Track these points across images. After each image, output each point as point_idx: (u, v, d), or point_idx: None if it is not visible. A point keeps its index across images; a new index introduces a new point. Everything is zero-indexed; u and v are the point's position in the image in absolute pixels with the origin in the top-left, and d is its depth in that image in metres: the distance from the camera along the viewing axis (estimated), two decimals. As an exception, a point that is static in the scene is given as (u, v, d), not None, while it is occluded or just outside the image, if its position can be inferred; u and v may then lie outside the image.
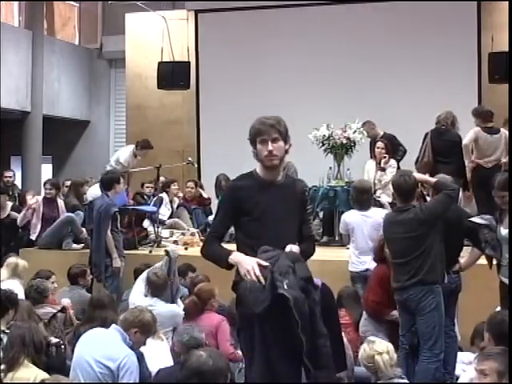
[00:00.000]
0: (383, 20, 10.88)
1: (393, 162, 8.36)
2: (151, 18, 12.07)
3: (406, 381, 4.42)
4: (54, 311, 5.43)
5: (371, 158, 8.69)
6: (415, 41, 10.71)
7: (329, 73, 11.03)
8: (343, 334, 4.92)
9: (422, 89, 10.48)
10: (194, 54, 11.89)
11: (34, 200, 8.53)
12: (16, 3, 14.07)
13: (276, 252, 3.33)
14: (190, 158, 10.07)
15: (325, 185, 8.34)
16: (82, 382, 4.14)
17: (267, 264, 3.26)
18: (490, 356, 3.42)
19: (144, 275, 6.03)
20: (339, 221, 6.96)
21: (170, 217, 9.13)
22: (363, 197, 6.51)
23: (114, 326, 4.36)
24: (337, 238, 7.92)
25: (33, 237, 8.27)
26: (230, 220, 3.55)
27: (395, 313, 5.41)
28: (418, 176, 5.28)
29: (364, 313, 5.73)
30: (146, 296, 5.83)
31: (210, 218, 8.96)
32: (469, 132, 7.99)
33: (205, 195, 9.93)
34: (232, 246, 3.56)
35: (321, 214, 8.54)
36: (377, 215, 6.27)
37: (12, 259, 6.76)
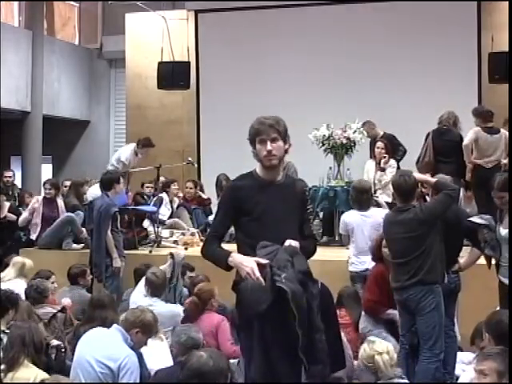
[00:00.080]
0: (383, 20, 10.88)
1: (392, 162, 8.36)
2: (151, 18, 12.08)
3: (406, 381, 4.42)
4: (54, 311, 5.42)
5: (371, 157, 8.70)
6: (415, 41, 10.71)
7: (329, 73, 11.03)
8: (343, 333, 4.93)
9: (422, 89, 10.48)
10: (194, 54, 11.89)
11: (34, 200, 8.54)
12: (16, 3, 14.07)
13: (275, 247, 3.35)
14: (189, 158, 10.07)
15: (325, 185, 8.34)
16: (83, 381, 4.14)
17: (266, 262, 3.27)
18: (490, 356, 3.42)
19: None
20: (339, 221, 6.96)
21: (170, 217, 9.13)
22: (363, 197, 6.51)
23: (115, 326, 4.36)
24: (337, 238, 7.91)
25: (33, 237, 8.28)
26: (230, 220, 3.56)
27: (391, 311, 5.45)
28: (418, 176, 5.28)
29: (363, 311, 5.76)
30: (145, 296, 5.84)
31: (210, 217, 8.96)
32: (469, 132, 7.99)
33: (204, 196, 9.93)
34: (232, 246, 3.56)
35: (321, 214, 8.55)
36: (377, 215, 6.27)
37: (18, 258, 6.81)
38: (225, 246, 3.57)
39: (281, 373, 3.27)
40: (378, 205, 7.47)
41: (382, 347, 4.33)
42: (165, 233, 8.52)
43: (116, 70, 15.15)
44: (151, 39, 12.14)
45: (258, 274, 3.23)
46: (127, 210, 8.09)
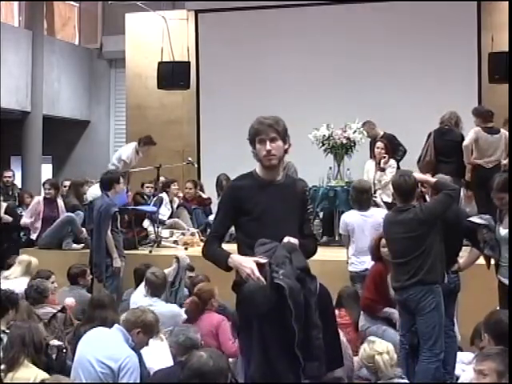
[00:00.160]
0: (383, 20, 10.88)
1: (392, 162, 8.36)
2: (151, 18, 12.08)
3: (406, 381, 4.43)
4: (54, 311, 5.43)
5: (371, 158, 8.70)
6: (415, 41, 10.71)
7: (329, 73, 11.03)
8: (343, 333, 4.94)
9: (422, 89, 10.48)
10: (194, 54, 11.89)
11: (35, 200, 8.55)
12: (16, 3, 14.07)
13: (273, 244, 3.36)
14: (189, 158, 10.07)
15: (325, 185, 8.35)
16: (84, 381, 4.14)
17: (265, 261, 3.27)
18: (489, 356, 3.42)
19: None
20: (339, 221, 6.95)
21: (170, 217, 9.13)
22: (363, 197, 6.51)
23: (116, 326, 4.36)
24: (337, 238, 7.92)
25: (33, 237, 8.28)
26: (231, 220, 3.57)
27: (388, 309, 5.52)
28: (418, 176, 5.28)
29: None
30: (145, 296, 5.84)
31: (210, 217, 8.97)
32: (469, 132, 7.99)
33: (204, 196, 9.94)
34: (232, 246, 3.56)
35: (321, 214, 8.56)
36: (377, 215, 6.28)
37: (24, 257, 6.86)
38: (225, 246, 3.57)
39: (281, 371, 3.27)
40: (377, 205, 7.48)
41: (382, 347, 4.34)
42: (165, 233, 8.52)
43: (116, 69, 15.14)
44: (151, 39, 12.14)
45: (257, 273, 3.23)
46: (127, 210, 8.09)
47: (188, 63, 11.63)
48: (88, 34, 15.45)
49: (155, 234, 8.27)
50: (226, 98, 11.45)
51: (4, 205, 9.15)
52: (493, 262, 5.08)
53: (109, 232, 6.92)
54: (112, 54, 14.69)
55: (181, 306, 6.00)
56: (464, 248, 5.39)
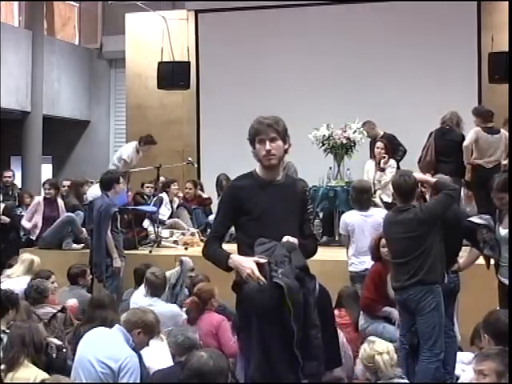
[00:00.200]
0: (383, 20, 10.88)
1: (392, 162, 8.36)
2: (151, 18, 12.07)
3: (406, 381, 4.42)
4: (54, 311, 5.43)
5: (371, 157, 8.70)
6: (415, 41, 10.71)
7: (329, 73, 11.03)
8: (343, 333, 4.94)
9: (422, 89, 10.48)
10: (194, 54, 11.89)
11: (36, 201, 8.55)
12: (16, 3, 14.07)
13: (272, 243, 3.36)
14: (189, 158, 10.07)
15: (325, 185, 8.35)
16: (84, 381, 4.14)
17: (264, 261, 3.27)
18: (489, 356, 3.42)
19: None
20: (339, 221, 6.95)
21: (170, 217, 9.13)
22: (363, 197, 6.51)
23: (117, 326, 4.35)
24: (337, 238, 7.92)
25: (33, 237, 8.28)
26: (231, 220, 3.57)
27: (387, 309, 5.55)
28: (418, 176, 5.28)
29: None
30: (145, 296, 5.84)
31: (210, 217, 8.97)
32: (469, 132, 7.99)
33: (204, 195, 9.94)
34: (232, 246, 3.57)
35: (321, 214, 8.55)
36: (377, 215, 6.28)
37: (27, 255, 6.87)
38: (225, 246, 3.57)
39: (280, 371, 3.27)
40: (375, 205, 7.48)
41: (382, 347, 4.33)
42: (165, 233, 8.52)
43: (116, 69, 15.15)
44: (151, 39, 12.13)
45: (257, 273, 3.23)
46: (127, 210, 8.09)
47: (188, 63, 11.63)
48: (88, 34, 15.46)
49: (155, 234, 8.27)
50: (226, 98, 11.45)
51: (1, 205, 9.16)
52: (492, 262, 5.08)
53: (109, 232, 6.92)
54: (112, 54, 14.69)
55: (181, 306, 6.00)
56: (464, 248, 5.39)
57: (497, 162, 7.85)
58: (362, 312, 5.74)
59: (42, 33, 13.67)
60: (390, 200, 7.63)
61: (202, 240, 8.13)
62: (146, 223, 8.55)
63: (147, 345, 4.41)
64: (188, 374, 3.42)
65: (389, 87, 10.71)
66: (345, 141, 8.30)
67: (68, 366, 4.46)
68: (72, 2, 15.44)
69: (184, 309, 5.82)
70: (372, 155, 8.65)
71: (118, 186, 7.16)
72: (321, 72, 11.00)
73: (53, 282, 6.06)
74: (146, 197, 9.31)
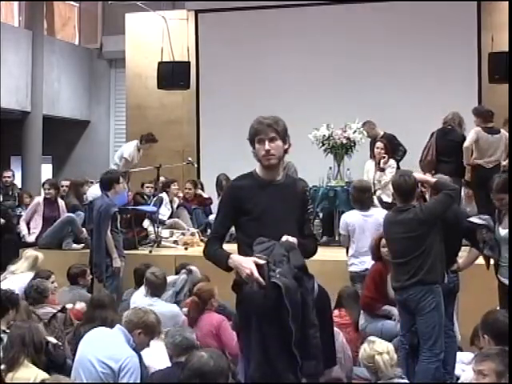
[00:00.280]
0: (383, 20, 10.88)
1: (392, 162, 8.36)
2: (151, 18, 12.07)
3: (406, 381, 4.42)
4: (54, 311, 5.43)
5: (371, 158, 8.69)
6: (415, 41, 10.71)
7: (329, 73, 11.03)
8: (343, 333, 4.94)
9: (422, 89, 10.48)
10: (194, 54, 11.89)
11: (36, 201, 8.56)
12: (16, 3, 14.07)
13: (271, 243, 3.36)
14: (189, 158, 10.08)
15: (325, 185, 8.35)
16: (84, 381, 4.14)
17: (264, 262, 3.27)
18: (488, 356, 3.42)
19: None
20: (339, 221, 6.95)
21: (170, 217, 9.13)
22: (364, 196, 6.51)
23: (118, 326, 4.35)
24: (337, 238, 7.92)
25: (32, 237, 8.28)
26: (231, 220, 3.57)
27: (387, 307, 5.57)
28: (418, 176, 5.29)
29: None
30: (145, 296, 5.84)
31: (210, 217, 8.98)
32: (470, 132, 8.00)
33: (204, 195, 9.94)
34: (232, 246, 3.57)
35: (321, 214, 8.55)
36: (377, 215, 6.28)
37: (31, 252, 6.87)
38: (225, 246, 3.58)
39: (280, 371, 3.27)
40: (374, 205, 7.48)
41: (382, 347, 4.33)
42: (165, 233, 8.53)
43: (116, 69, 15.14)
44: (151, 39, 12.13)
45: (256, 274, 3.23)
46: (127, 210, 8.09)
47: (188, 63, 11.63)
48: (88, 34, 15.45)
49: (155, 234, 8.27)
50: (226, 98, 11.45)
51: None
52: (492, 262, 5.08)
53: (109, 232, 6.92)
54: (112, 54, 14.69)
55: (181, 307, 6.00)
56: (463, 248, 5.39)
57: (497, 162, 7.86)
58: (362, 312, 5.75)
59: (41, 33, 13.66)
60: (389, 200, 7.63)
61: (201, 240, 8.13)
62: (146, 223, 8.55)
63: (148, 345, 4.41)
64: (188, 374, 3.42)
65: (389, 87, 10.71)
66: (345, 141, 8.30)
67: (68, 366, 4.46)
68: (72, 2, 15.43)
69: (184, 309, 5.82)
70: (372, 155, 8.65)
71: (117, 185, 7.16)
72: (321, 72, 11.00)
73: (53, 282, 6.07)
74: (146, 197, 9.31)
